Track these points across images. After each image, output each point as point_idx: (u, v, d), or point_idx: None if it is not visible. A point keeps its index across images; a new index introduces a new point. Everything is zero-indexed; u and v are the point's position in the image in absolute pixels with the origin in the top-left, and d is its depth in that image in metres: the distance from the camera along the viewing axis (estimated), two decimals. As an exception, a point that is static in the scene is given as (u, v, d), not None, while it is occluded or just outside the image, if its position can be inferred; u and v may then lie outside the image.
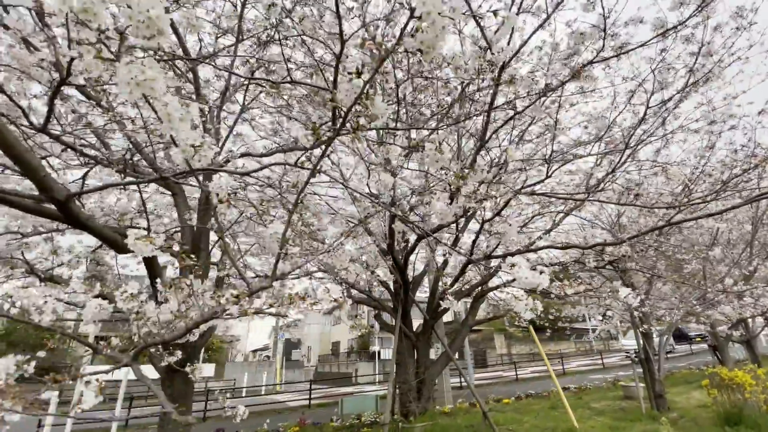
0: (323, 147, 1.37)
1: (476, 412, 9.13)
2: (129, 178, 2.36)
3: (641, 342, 7.87)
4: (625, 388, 9.45)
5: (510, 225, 1.86)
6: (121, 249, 2.88)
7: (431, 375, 6.99)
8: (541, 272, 1.54)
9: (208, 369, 18.39)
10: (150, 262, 3.56)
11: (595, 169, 5.63)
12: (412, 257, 8.97)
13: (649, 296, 7.73)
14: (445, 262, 7.68)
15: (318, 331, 33.29)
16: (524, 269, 1.50)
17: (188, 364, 4.47)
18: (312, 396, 13.76)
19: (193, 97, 4.37)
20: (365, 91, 0.91)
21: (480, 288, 7.70)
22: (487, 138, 4.11)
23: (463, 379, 15.10)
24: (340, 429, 7.72)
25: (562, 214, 6.70)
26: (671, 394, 9.50)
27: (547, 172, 4.66)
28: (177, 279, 1.50)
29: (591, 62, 2.75)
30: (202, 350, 18.89)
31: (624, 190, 3.94)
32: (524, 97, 2.87)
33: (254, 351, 40.02)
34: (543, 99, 4.06)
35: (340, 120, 1.09)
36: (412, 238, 8.52)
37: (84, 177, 3.54)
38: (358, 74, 0.94)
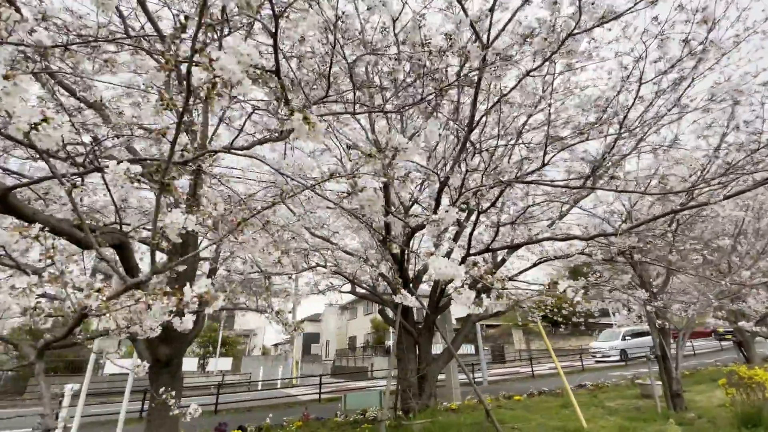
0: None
1: (483, 409, 8.92)
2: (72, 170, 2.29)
3: (657, 339, 7.48)
4: (642, 386, 9.04)
5: (447, 212, 1.69)
6: (82, 243, 2.83)
7: (433, 371, 6.84)
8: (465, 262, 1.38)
9: (225, 363, 18.81)
10: (124, 255, 3.54)
11: (598, 156, 5.33)
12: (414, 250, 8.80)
13: (664, 290, 7.33)
14: (448, 255, 7.47)
15: (335, 326, 33.54)
16: (439, 259, 1.33)
17: (174, 359, 4.50)
18: (323, 390, 13.83)
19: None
20: (197, 48, 0.76)
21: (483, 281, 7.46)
22: (474, 124, 3.90)
23: (474, 375, 14.86)
24: (343, 424, 7.67)
25: (568, 205, 6.42)
26: (693, 392, 9.03)
27: (544, 159, 4.42)
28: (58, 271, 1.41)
29: (570, 34, 2.52)
30: (219, 345, 19.29)
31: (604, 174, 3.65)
32: (476, 67, 2.66)
33: (276, 345, 40.73)
34: (533, 81, 3.81)
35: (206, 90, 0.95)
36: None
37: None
38: (183, 28, 0.80)
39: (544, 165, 4.47)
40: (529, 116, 5.25)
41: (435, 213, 4.85)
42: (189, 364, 18.56)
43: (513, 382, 14.63)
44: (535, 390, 10.94)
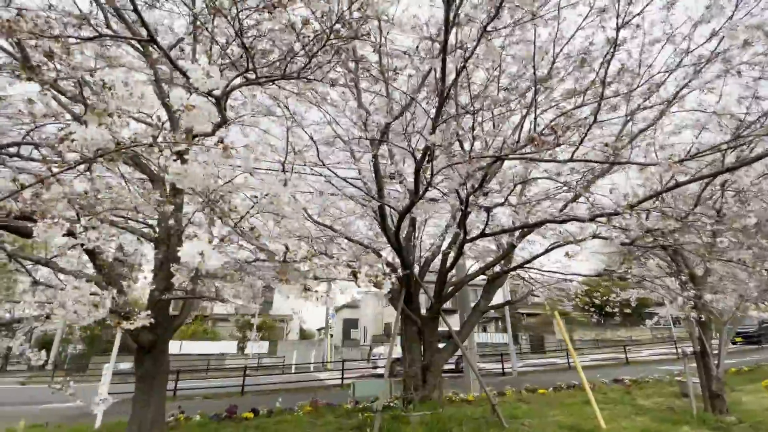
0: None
1: (501, 401, 8.49)
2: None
3: (698, 333, 6.65)
4: (682, 384, 8.16)
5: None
6: (24, 234, 2.84)
7: (437, 361, 6.54)
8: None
9: (261, 346, 19.65)
10: (91, 251, 3.56)
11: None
12: (423, 236, 8.47)
13: (706, 278, 6.48)
14: (454, 240, 7.07)
15: (373, 312, 33.89)
16: (193, 244, 1.06)
17: (158, 344, 4.56)
18: (351, 375, 13.98)
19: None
20: None
21: (495, 268, 7.03)
22: (446, 93, 3.51)
23: (506, 366, 14.30)
24: (351, 411, 7.61)
25: (583, 185, 5.80)
26: (744, 392, 8.04)
27: (534, 129, 3.92)
28: None
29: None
30: (254, 329, 20.07)
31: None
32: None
33: (319, 329, 42.02)
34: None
35: None
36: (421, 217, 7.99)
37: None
38: None
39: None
40: (536, 88, 4.69)
41: (415, 195, 4.50)
42: (228, 347, 19.57)
43: (545, 374, 13.94)
44: (564, 383, 10.27)
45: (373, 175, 5.49)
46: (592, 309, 9.69)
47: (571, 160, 3.30)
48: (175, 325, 4.78)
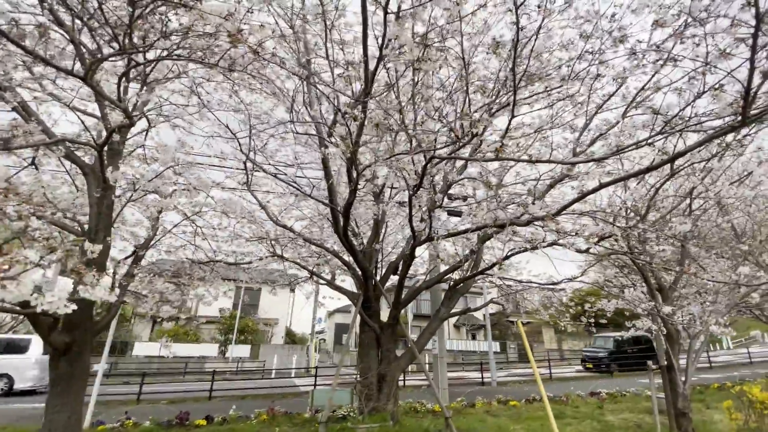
0: None
1: (468, 413, 8.21)
2: None
3: (664, 346, 6.39)
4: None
5: None
6: None
7: (393, 371, 6.26)
8: None
9: (243, 350, 19.27)
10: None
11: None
12: (394, 240, 8.25)
13: (672, 291, 6.23)
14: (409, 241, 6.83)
15: (363, 318, 33.54)
16: None
17: (74, 347, 4.30)
18: (318, 382, 13.68)
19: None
20: None
21: (454, 275, 6.79)
22: (370, 83, 3.28)
23: (487, 375, 13.98)
24: (309, 420, 7.34)
25: (545, 187, 5.60)
26: (718, 410, 7.72)
27: (475, 129, 3.69)
28: None
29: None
30: (235, 332, 19.61)
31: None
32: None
33: (311, 334, 41.82)
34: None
35: None
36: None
37: None
38: None
39: (477, 135, 3.74)
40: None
41: (352, 195, 4.25)
42: (209, 349, 19.20)
43: (524, 384, 13.62)
44: (538, 395, 9.96)
45: (324, 175, 5.29)
46: (567, 318, 9.44)
47: (496, 159, 3.07)
48: (97, 327, 4.51)
